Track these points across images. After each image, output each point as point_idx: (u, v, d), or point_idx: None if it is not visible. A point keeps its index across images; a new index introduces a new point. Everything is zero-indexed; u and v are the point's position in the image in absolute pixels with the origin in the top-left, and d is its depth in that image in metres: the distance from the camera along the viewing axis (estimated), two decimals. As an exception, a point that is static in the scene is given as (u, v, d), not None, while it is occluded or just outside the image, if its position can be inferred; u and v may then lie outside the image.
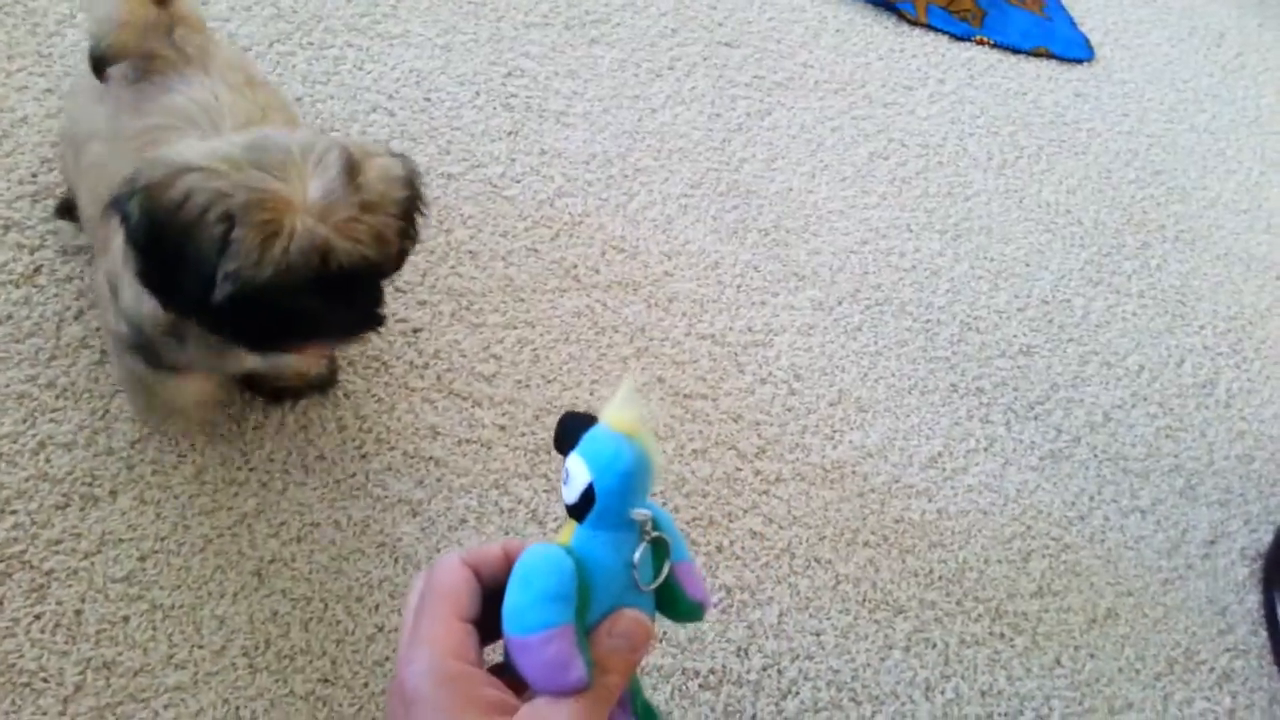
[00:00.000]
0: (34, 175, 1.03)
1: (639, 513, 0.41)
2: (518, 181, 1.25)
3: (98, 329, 0.95)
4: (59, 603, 0.82)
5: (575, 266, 1.20)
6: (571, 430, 0.42)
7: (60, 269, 0.98)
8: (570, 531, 0.42)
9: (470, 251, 1.16)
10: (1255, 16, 2.03)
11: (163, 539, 0.87)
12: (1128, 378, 1.34)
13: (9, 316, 0.94)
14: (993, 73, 1.69)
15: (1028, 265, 1.43)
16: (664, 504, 1.04)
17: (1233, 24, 1.98)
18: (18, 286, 0.96)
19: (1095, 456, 1.25)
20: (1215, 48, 1.92)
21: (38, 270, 0.97)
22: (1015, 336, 1.34)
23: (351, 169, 0.67)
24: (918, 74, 1.63)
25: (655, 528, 0.42)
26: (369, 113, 1.24)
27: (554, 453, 1.02)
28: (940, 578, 1.08)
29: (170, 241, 0.64)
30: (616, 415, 0.41)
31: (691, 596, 0.43)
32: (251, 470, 0.93)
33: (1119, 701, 1.05)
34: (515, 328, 1.12)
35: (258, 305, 0.65)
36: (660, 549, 0.42)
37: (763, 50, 1.56)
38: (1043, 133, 1.62)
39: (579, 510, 0.41)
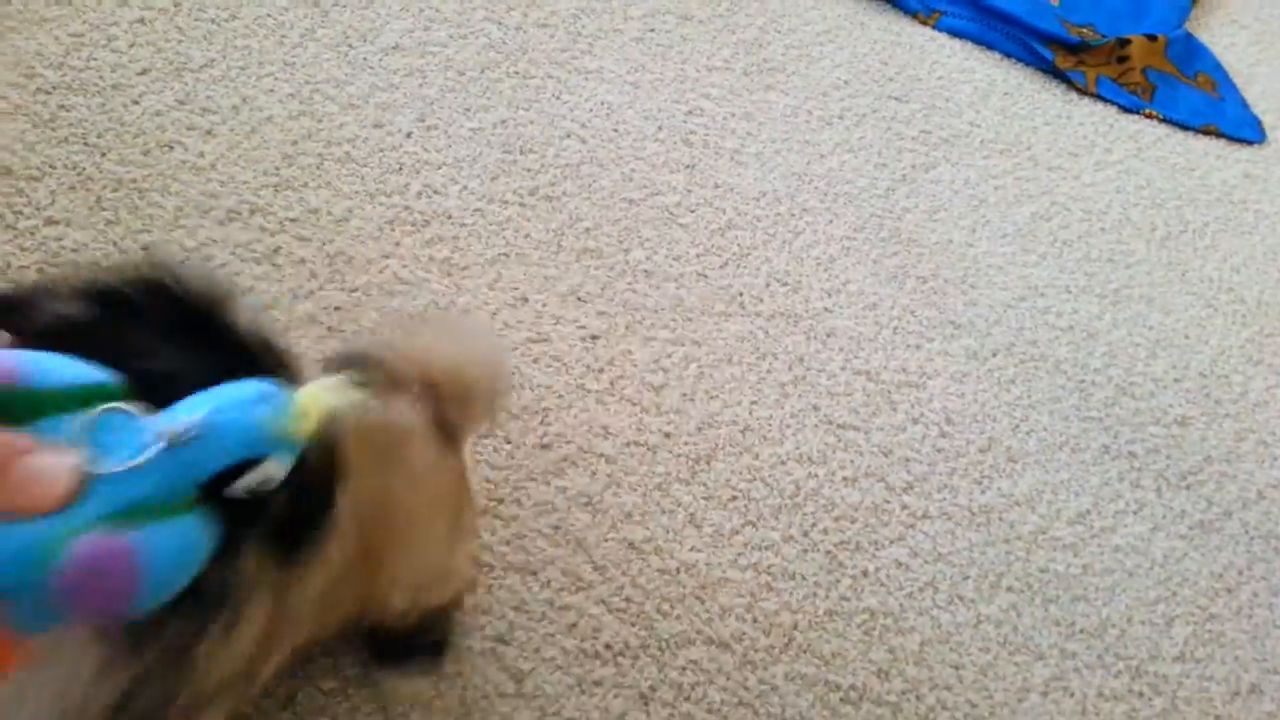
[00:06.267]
0: (277, 169, 1.17)
1: None
2: (692, 211, 1.33)
3: (325, 307, 1.06)
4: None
5: (741, 294, 1.26)
6: None
7: (296, 251, 1.10)
8: None
9: (645, 271, 1.24)
10: None
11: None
12: (1286, 459, 1.32)
13: (251, 289, 1.06)
14: (1160, 146, 1.70)
15: (1187, 338, 1.42)
16: (813, 524, 1.08)
17: None
18: (259, 264, 1.08)
19: (1246, 532, 1.23)
20: (1397, 138, 1.87)
21: (276, 251, 1.10)
22: (1171, 406, 1.33)
23: None
24: (1084, 141, 1.65)
25: None
26: (563, 138, 1.34)
27: (713, 464, 1.09)
28: (1082, 630, 1.09)
29: None
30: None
31: None
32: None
33: (1260, 780, 1.04)
34: (683, 345, 1.19)
35: None
36: None
37: (931, 107, 1.61)
38: (1209, 209, 1.62)
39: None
